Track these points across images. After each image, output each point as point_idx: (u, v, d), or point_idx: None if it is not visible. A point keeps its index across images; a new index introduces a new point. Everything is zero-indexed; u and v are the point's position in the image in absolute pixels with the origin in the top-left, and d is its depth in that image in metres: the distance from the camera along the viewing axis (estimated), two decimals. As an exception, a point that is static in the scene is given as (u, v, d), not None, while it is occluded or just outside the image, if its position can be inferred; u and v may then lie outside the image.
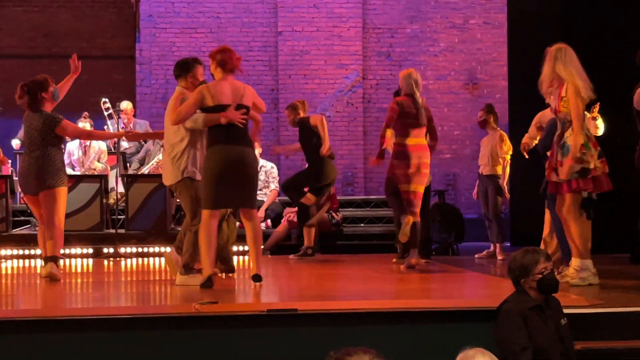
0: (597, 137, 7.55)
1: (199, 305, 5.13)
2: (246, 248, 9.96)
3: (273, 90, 13.99)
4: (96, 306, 5.77)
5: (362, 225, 11.57)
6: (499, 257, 9.27)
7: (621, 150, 9.24)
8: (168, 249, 9.58)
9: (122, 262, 9.11)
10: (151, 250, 9.68)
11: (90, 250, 9.62)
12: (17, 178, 10.90)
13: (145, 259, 9.39)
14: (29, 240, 9.63)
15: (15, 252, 9.54)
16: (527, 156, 7.95)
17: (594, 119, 7.48)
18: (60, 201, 7.16)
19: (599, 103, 7.49)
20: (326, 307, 5.31)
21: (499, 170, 9.53)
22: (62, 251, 9.40)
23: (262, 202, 10.93)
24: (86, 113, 11.30)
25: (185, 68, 7.00)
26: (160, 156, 10.47)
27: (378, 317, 5.13)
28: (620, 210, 9.27)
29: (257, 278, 6.40)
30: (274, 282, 7.44)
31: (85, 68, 14.92)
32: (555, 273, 4.69)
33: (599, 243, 7.96)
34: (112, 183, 10.64)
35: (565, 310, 4.78)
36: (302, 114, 9.19)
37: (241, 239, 9.75)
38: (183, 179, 6.76)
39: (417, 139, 7.87)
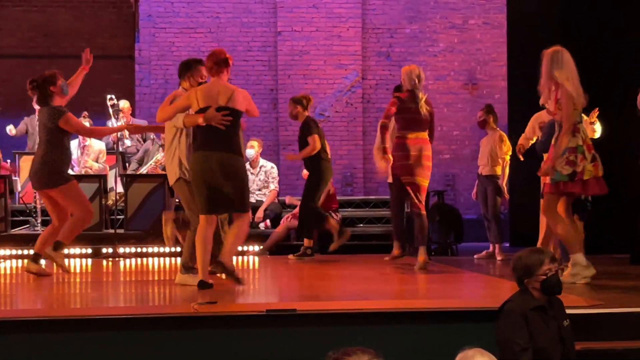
0: (594, 140, 7.58)
1: (197, 306, 5.12)
2: (245, 248, 10.05)
3: (272, 90, 13.99)
4: (95, 306, 5.77)
5: (361, 225, 11.57)
6: (498, 258, 9.28)
7: (621, 152, 9.26)
8: (167, 250, 9.61)
9: (121, 262, 9.10)
10: (150, 250, 9.67)
11: (89, 250, 9.61)
12: (15, 178, 10.92)
13: (144, 259, 9.39)
14: (28, 240, 9.62)
15: (14, 252, 9.53)
16: (522, 158, 7.96)
17: (592, 123, 7.49)
18: (68, 196, 7.27)
19: (597, 109, 7.50)
20: (325, 308, 5.31)
21: (499, 170, 9.52)
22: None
23: (262, 202, 10.93)
24: (85, 113, 11.28)
25: (185, 68, 7.04)
26: (158, 156, 10.47)
27: (377, 317, 5.13)
28: (619, 212, 9.28)
29: (218, 264, 6.30)
30: (273, 282, 7.44)
31: (84, 68, 14.85)
32: (560, 275, 4.68)
33: (599, 244, 7.99)
34: (111, 183, 10.63)
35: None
36: (306, 112, 9.20)
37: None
38: (178, 179, 6.80)
39: (418, 133, 7.89)
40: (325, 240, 9.36)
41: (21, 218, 10.75)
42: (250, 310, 5.18)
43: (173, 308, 5.41)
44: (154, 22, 13.94)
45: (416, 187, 7.84)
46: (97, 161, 11.07)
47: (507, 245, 10.82)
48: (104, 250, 9.67)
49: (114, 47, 14.79)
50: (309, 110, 9.28)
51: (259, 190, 11.04)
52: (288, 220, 10.38)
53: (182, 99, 6.48)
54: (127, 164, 10.81)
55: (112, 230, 9.95)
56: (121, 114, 11.01)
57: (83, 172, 10.74)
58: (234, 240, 6.38)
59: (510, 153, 9.49)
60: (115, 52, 14.74)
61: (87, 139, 11.03)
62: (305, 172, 9.60)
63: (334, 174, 9.89)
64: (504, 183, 9.55)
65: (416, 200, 7.83)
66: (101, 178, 10.12)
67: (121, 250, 9.63)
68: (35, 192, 10.63)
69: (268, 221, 10.83)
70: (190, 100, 6.37)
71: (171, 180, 6.90)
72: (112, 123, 10.69)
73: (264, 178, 11.07)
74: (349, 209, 11.97)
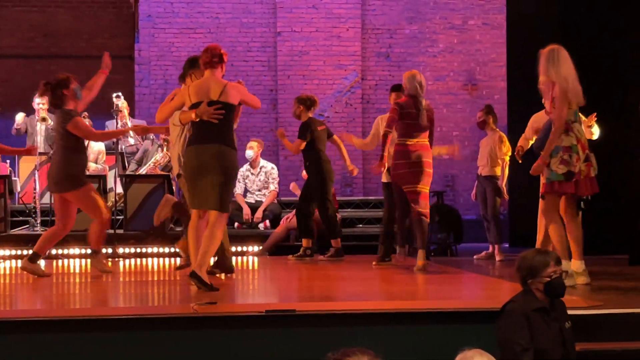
0: (592, 141, 7.59)
1: (197, 306, 5.12)
2: (244, 249, 10.06)
3: (272, 90, 13.99)
4: (94, 307, 5.77)
5: (361, 226, 11.57)
6: (498, 258, 9.28)
7: (620, 153, 9.27)
8: (167, 250, 9.61)
9: (121, 263, 9.10)
10: (150, 250, 9.68)
11: (89, 251, 9.60)
12: (15, 178, 10.93)
13: (144, 260, 9.39)
14: (27, 241, 9.62)
15: (13, 252, 9.53)
16: (520, 161, 7.95)
17: (589, 126, 7.50)
18: (82, 201, 7.34)
19: (595, 113, 7.50)
20: (325, 308, 5.32)
21: (498, 171, 9.53)
22: (60, 251, 9.48)
23: (261, 202, 10.94)
24: (85, 113, 11.28)
25: (190, 65, 7.12)
26: (157, 156, 10.48)
27: (376, 318, 5.14)
28: (618, 212, 9.29)
29: (193, 275, 6.11)
30: (273, 282, 7.44)
31: (83, 68, 14.92)
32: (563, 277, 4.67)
33: (598, 244, 7.99)
34: (110, 183, 10.64)
35: (564, 312, 4.78)
36: (310, 113, 9.20)
37: (235, 239, 9.80)
38: (178, 175, 6.89)
39: (418, 139, 7.87)
40: (325, 240, 9.37)
41: (21, 218, 10.75)
42: (249, 311, 5.18)
43: (172, 308, 5.41)
44: (154, 23, 13.94)
45: (417, 194, 7.84)
46: (96, 162, 11.07)
47: (507, 245, 10.83)
48: (104, 250, 9.66)
49: (113, 47, 14.75)
50: (313, 112, 9.27)
51: (259, 190, 11.04)
52: (288, 221, 10.38)
53: (177, 97, 6.54)
54: (126, 165, 10.82)
55: (111, 231, 9.95)
56: (120, 114, 11.00)
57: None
58: (207, 246, 6.18)
59: (509, 154, 9.49)
60: (115, 52, 14.64)
61: (87, 140, 11.03)
62: (304, 174, 9.61)
63: (335, 175, 9.88)
64: (503, 184, 9.55)
65: (418, 207, 7.83)
66: (101, 178, 10.12)
67: (121, 250, 9.63)
68: (34, 193, 10.65)
69: (267, 222, 10.83)
70: (184, 97, 6.41)
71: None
72: (115, 122, 10.69)
73: (264, 178, 11.07)
74: (349, 210, 11.97)
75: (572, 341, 4.55)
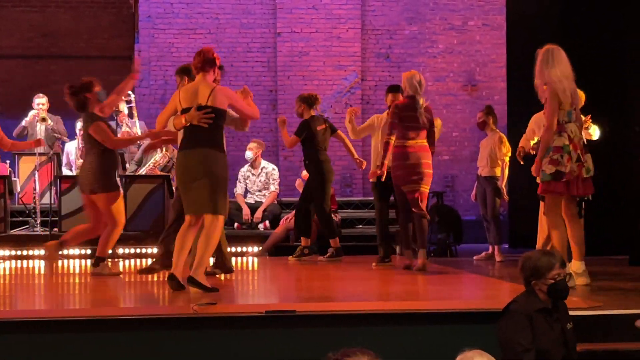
0: (593, 142, 7.59)
1: (197, 307, 5.12)
2: (243, 249, 10.06)
3: (272, 91, 13.99)
4: (94, 307, 5.77)
5: (361, 226, 11.57)
6: (497, 259, 9.28)
7: (619, 153, 9.27)
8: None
9: (121, 263, 9.10)
10: (149, 251, 9.67)
11: (89, 251, 9.61)
12: (15, 179, 10.93)
13: (144, 260, 9.38)
14: (27, 241, 9.62)
15: (13, 252, 9.53)
16: (522, 162, 7.96)
17: (586, 128, 7.50)
18: (106, 206, 7.36)
19: (590, 115, 7.50)
20: (325, 309, 5.31)
21: (498, 171, 9.53)
22: (60, 252, 9.47)
23: (261, 203, 10.94)
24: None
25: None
26: (157, 157, 10.47)
27: (376, 318, 5.14)
28: (618, 213, 9.30)
29: (190, 280, 6.13)
30: (273, 283, 7.44)
31: (83, 68, 14.95)
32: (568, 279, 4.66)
33: (598, 245, 7.99)
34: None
35: (564, 313, 4.78)
36: (312, 111, 9.20)
37: (235, 240, 9.80)
38: None
39: (417, 140, 7.87)
40: (325, 240, 9.37)
41: (20, 219, 10.75)
42: (249, 312, 5.18)
43: (173, 309, 5.41)
44: (154, 23, 13.94)
45: (417, 194, 7.84)
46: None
47: (507, 246, 10.83)
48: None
49: (113, 47, 14.79)
50: (315, 110, 9.27)
51: (259, 191, 11.05)
52: (287, 222, 10.38)
53: (170, 103, 6.55)
54: (125, 165, 10.82)
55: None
56: (120, 114, 11.02)
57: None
58: (202, 250, 6.18)
59: (509, 154, 9.50)
60: (115, 52, 14.73)
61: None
62: (304, 174, 9.60)
63: (335, 175, 9.89)
64: (503, 184, 9.55)
65: (417, 207, 7.83)
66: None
67: (121, 251, 9.63)
68: (34, 193, 10.65)
69: (267, 222, 10.84)
70: (175, 102, 6.42)
71: None
72: (116, 123, 10.70)
73: (264, 179, 11.08)
74: (348, 210, 11.98)
75: (573, 342, 4.55)
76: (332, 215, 9.83)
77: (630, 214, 8.99)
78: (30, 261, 9.29)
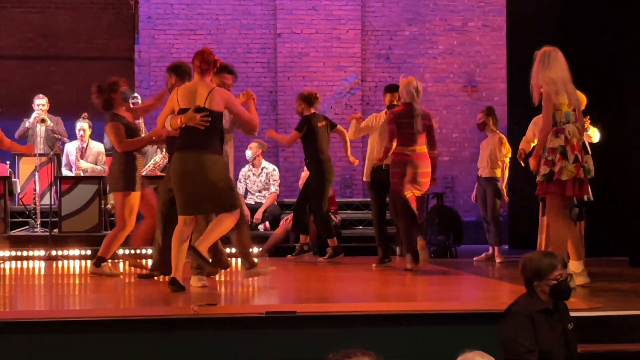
0: (593, 144, 7.60)
1: (197, 308, 5.12)
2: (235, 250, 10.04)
3: (272, 92, 13.99)
4: (94, 308, 5.77)
5: (361, 227, 11.57)
6: (498, 260, 9.28)
7: (617, 154, 9.27)
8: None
9: (120, 264, 9.09)
10: (149, 252, 9.65)
11: (89, 252, 9.60)
12: (15, 179, 10.92)
13: (143, 261, 9.36)
14: (27, 242, 9.62)
15: (13, 253, 9.52)
16: (523, 164, 7.96)
17: (585, 130, 7.50)
18: (120, 205, 7.40)
19: (589, 116, 7.51)
20: (325, 310, 5.32)
21: (498, 173, 9.53)
22: (60, 252, 9.47)
23: (261, 204, 10.94)
24: (85, 114, 11.30)
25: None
26: (157, 158, 10.47)
27: (377, 319, 5.13)
28: (617, 214, 9.30)
29: (192, 249, 6.29)
30: (273, 284, 7.43)
31: (83, 69, 14.92)
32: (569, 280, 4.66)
33: (598, 246, 7.99)
34: (110, 184, 10.62)
35: (564, 314, 4.78)
36: (312, 109, 9.20)
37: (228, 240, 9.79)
38: None
39: (415, 147, 7.87)
40: (325, 241, 9.36)
41: (20, 219, 10.74)
42: (249, 312, 5.18)
43: (172, 310, 5.41)
44: (154, 24, 13.94)
45: (414, 199, 7.85)
46: (96, 163, 11.07)
47: (507, 247, 10.83)
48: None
49: (113, 48, 14.79)
50: (315, 108, 9.26)
51: (259, 192, 11.05)
52: (287, 222, 10.38)
53: (168, 102, 6.53)
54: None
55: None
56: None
57: (81, 174, 10.75)
58: (212, 228, 6.34)
59: (509, 155, 9.50)
60: (115, 53, 14.73)
61: (86, 140, 11.05)
62: (304, 175, 9.60)
63: (335, 176, 9.89)
64: (503, 185, 9.55)
65: (415, 211, 7.84)
66: (100, 180, 10.12)
67: (120, 252, 9.61)
68: (34, 194, 10.65)
69: (267, 223, 10.84)
70: (173, 101, 6.40)
71: None
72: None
73: (264, 180, 11.08)
74: (348, 211, 11.97)
75: (574, 343, 4.55)
76: (332, 217, 9.84)
77: (628, 214, 8.99)
78: (30, 262, 9.29)
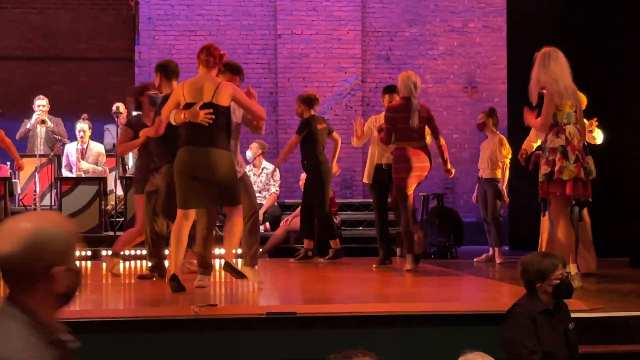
0: (595, 145, 7.59)
1: (198, 308, 5.12)
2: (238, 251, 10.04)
3: (272, 93, 13.99)
4: (94, 308, 5.76)
5: (361, 228, 11.57)
6: (498, 261, 9.27)
7: (617, 155, 9.27)
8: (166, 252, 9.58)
9: (121, 265, 9.08)
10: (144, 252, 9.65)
11: (89, 253, 9.60)
12: (15, 180, 10.92)
13: (144, 262, 9.37)
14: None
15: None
16: (524, 163, 7.96)
17: (590, 131, 7.50)
18: (137, 207, 7.57)
19: (595, 118, 7.51)
20: (325, 311, 5.31)
21: (499, 173, 9.53)
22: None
23: (261, 204, 10.93)
24: (85, 114, 11.30)
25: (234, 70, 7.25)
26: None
27: (377, 320, 5.13)
28: (617, 214, 9.29)
29: (226, 266, 6.33)
30: (273, 285, 7.43)
31: (83, 70, 14.91)
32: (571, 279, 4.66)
33: (598, 246, 7.98)
34: (110, 185, 10.63)
35: (565, 314, 4.77)
36: (312, 111, 9.21)
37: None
38: None
39: (411, 142, 7.88)
40: (325, 242, 9.36)
41: (20, 220, 10.71)
42: (250, 313, 5.18)
43: (173, 311, 5.40)
44: (154, 25, 13.94)
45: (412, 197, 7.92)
46: (96, 164, 11.07)
47: (507, 248, 10.83)
48: (104, 252, 9.65)
49: (113, 49, 14.79)
50: (315, 110, 9.27)
51: (259, 192, 11.04)
52: (287, 223, 10.38)
53: (172, 97, 6.49)
54: (126, 167, 10.82)
55: (111, 233, 9.94)
56: (120, 116, 11.01)
57: (82, 175, 10.75)
58: (229, 235, 6.37)
59: (510, 156, 9.50)
60: (115, 54, 14.74)
61: (86, 141, 11.05)
62: (303, 175, 9.61)
63: (334, 177, 9.89)
64: (504, 186, 9.55)
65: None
66: (101, 181, 10.12)
67: (121, 252, 9.60)
68: (34, 194, 10.65)
69: (267, 224, 10.83)
70: (178, 96, 6.36)
71: None
72: (116, 125, 10.70)
73: (265, 180, 11.08)
74: (349, 212, 11.97)
75: (576, 343, 4.55)
76: (333, 217, 9.84)
77: (628, 215, 8.99)
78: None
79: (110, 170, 10.96)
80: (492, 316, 4.87)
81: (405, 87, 7.91)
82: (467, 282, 7.80)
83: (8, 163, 11.14)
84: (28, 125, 11.25)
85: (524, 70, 6.99)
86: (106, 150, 11.24)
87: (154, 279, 7.28)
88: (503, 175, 9.54)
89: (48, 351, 2.16)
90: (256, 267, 6.88)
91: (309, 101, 9.21)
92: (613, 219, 9.31)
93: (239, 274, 6.37)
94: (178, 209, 6.38)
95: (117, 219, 10.10)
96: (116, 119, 10.65)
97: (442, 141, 8.11)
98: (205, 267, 6.64)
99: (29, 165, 10.96)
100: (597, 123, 7.59)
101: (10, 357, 2.10)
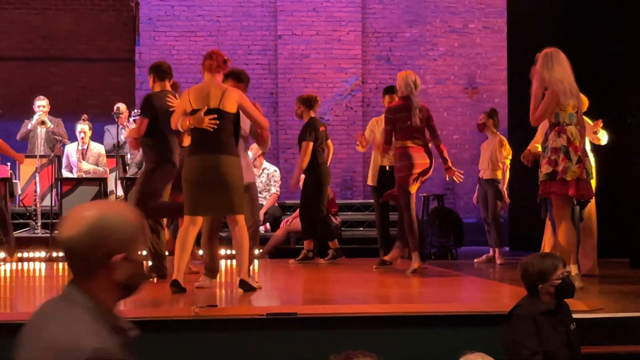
0: (599, 146, 7.60)
1: (198, 309, 5.12)
2: (233, 252, 10.05)
3: (272, 94, 13.99)
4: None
5: (361, 229, 11.57)
6: (498, 262, 9.28)
7: (619, 156, 9.26)
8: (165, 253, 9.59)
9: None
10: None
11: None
12: (16, 181, 10.92)
13: (144, 262, 9.37)
14: (27, 243, 9.61)
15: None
16: (525, 163, 7.95)
17: (595, 132, 7.50)
18: None
19: (600, 119, 7.52)
20: (326, 311, 5.31)
21: (499, 174, 9.54)
22: (61, 254, 9.47)
23: (261, 205, 10.93)
24: (85, 115, 11.30)
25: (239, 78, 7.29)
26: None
27: (377, 321, 5.13)
28: (618, 215, 9.29)
29: (242, 284, 6.28)
30: (274, 285, 7.44)
31: (83, 70, 14.90)
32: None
33: (598, 247, 7.99)
34: (111, 186, 10.63)
35: (565, 315, 4.77)
36: (312, 112, 9.21)
37: (229, 241, 9.78)
38: None
39: (413, 140, 7.88)
40: (325, 243, 9.37)
41: (21, 221, 10.74)
42: (250, 314, 5.18)
43: (173, 311, 5.41)
44: (155, 26, 13.94)
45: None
46: (97, 164, 11.07)
47: (507, 249, 10.83)
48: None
49: (113, 49, 14.79)
50: (315, 111, 9.27)
51: (260, 193, 11.04)
52: (288, 224, 10.38)
53: (179, 103, 6.49)
54: (127, 168, 10.82)
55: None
56: (121, 117, 11.01)
57: (84, 175, 10.75)
58: (239, 252, 6.34)
59: (510, 157, 9.50)
60: (115, 54, 14.74)
61: (86, 142, 11.05)
62: (302, 176, 9.61)
63: (334, 178, 9.90)
64: (504, 187, 9.55)
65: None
66: (101, 181, 10.12)
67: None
68: (35, 195, 10.65)
69: (267, 225, 10.83)
70: (184, 102, 6.36)
71: None
72: (116, 126, 10.70)
73: (265, 180, 11.08)
74: (349, 213, 11.97)
75: (577, 343, 4.55)
76: (333, 218, 9.84)
77: (629, 218, 8.99)
78: (31, 263, 9.28)
79: (111, 171, 10.96)
80: (492, 317, 4.87)
81: (406, 85, 7.90)
82: (467, 283, 7.80)
83: (9, 164, 11.15)
84: (29, 126, 11.25)
85: (524, 72, 7.00)
86: (106, 151, 11.24)
87: (154, 279, 7.28)
88: (503, 176, 9.55)
89: (112, 337, 2.18)
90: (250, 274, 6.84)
91: (308, 102, 9.21)
92: (614, 220, 9.31)
93: (254, 290, 6.33)
94: (185, 215, 6.37)
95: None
96: (116, 119, 10.65)
97: (440, 141, 8.11)
98: (211, 271, 6.65)
99: (29, 166, 10.98)
100: (602, 124, 7.59)
101: (77, 344, 2.14)
